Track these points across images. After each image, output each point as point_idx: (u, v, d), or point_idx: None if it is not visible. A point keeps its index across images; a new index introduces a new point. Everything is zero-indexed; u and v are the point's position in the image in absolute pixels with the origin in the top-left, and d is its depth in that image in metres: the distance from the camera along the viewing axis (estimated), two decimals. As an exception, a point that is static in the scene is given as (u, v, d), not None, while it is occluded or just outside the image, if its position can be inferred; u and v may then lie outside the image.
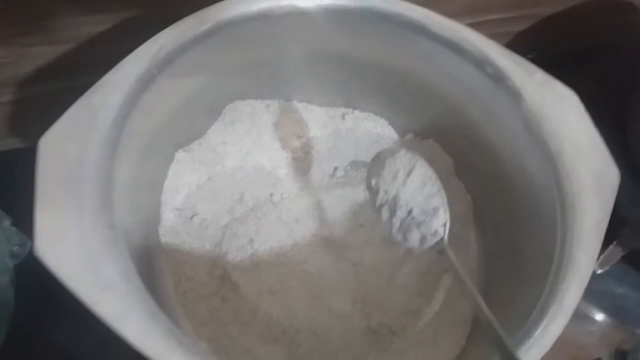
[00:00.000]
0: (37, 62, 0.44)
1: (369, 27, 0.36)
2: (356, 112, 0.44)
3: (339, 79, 0.42)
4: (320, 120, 0.44)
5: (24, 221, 0.47)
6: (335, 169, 0.43)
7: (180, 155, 0.39)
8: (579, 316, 0.46)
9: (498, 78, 0.33)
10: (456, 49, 0.34)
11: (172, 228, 0.38)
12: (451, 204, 0.40)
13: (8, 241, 0.42)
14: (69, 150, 0.27)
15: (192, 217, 0.39)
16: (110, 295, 0.24)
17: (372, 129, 0.44)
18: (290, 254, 0.39)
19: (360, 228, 0.40)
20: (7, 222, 0.42)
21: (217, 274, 0.37)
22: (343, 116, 0.44)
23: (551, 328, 0.26)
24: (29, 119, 0.49)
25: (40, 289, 0.47)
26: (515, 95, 0.33)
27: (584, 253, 0.28)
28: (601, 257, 0.41)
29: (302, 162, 0.42)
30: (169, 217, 0.38)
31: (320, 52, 0.39)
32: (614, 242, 0.41)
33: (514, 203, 0.37)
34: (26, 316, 0.43)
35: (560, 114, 0.32)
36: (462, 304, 0.38)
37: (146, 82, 0.30)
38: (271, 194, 0.41)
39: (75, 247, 0.24)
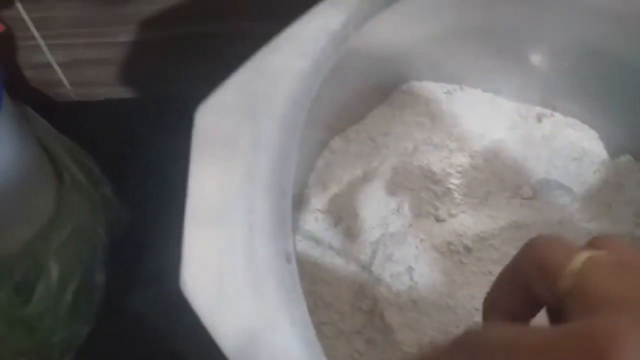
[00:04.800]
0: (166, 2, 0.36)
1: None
2: (557, 115, 0.34)
3: (551, 68, 0.32)
4: (508, 119, 0.33)
5: (125, 189, 0.40)
6: (520, 186, 0.33)
7: (335, 143, 0.30)
8: None
9: None
10: None
11: (311, 234, 0.30)
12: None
13: (106, 212, 0.35)
14: (236, 135, 0.18)
15: (336, 223, 0.30)
16: (288, 377, 0.15)
17: (576, 141, 0.33)
18: (460, 295, 0.29)
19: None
20: (107, 189, 0.35)
21: (364, 307, 0.29)
22: (539, 118, 0.34)
23: None
24: (145, 66, 0.41)
25: (136, 269, 0.41)
26: None
27: None
28: None
29: (480, 171, 0.33)
30: (309, 219, 0.30)
31: (545, 28, 0.29)
32: None
33: None
34: (117, 299, 0.36)
35: None
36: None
37: (339, 44, 0.21)
38: (437, 208, 0.32)
39: (241, 291, 0.16)
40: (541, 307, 0.15)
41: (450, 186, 0.32)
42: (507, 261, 0.30)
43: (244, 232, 0.17)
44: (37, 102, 0.36)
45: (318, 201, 0.30)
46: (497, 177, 0.33)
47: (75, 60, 0.38)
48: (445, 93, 0.32)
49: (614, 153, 0.33)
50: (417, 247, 0.30)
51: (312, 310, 0.28)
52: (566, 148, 0.33)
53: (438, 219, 0.32)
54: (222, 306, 0.16)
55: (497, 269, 0.30)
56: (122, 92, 0.41)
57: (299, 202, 0.30)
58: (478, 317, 0.29)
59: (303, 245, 0.30)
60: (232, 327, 0.15)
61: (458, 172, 0.32)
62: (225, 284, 0.16)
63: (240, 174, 0.18)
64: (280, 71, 0.19)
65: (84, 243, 0.32)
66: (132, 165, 0.38)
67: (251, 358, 0.15)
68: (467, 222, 0.32)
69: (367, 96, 0.31)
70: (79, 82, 0.40)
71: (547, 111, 0.34)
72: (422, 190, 0.32)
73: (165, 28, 0.37)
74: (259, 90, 0.19)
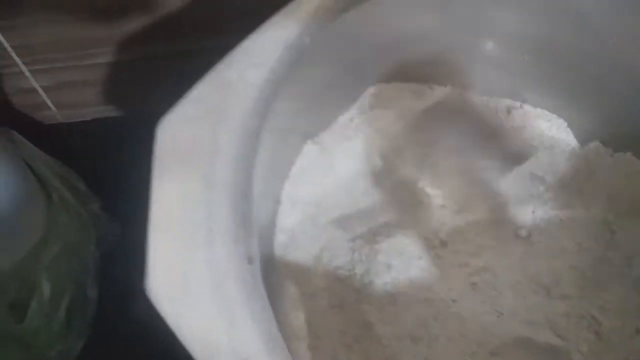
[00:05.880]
0: (138, 20, 0.37)
1: None
2: (526, 106, 0.35)
3: (512, 61, 0.32)
4: (478, 114, 0.34)
5: (115, 204, 0.42)
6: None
7: (309, 148, 0.31)
8: None
9: None
10: None
11: (292, 234, 0.31)
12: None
13: (95, 228, 0.36)
14: (196, 146, 0.19)
15: (316, 223, 0.31)
16: (250, 372, 0.16)
17: (546, 131, 0.34)
18: (437, 288, 0.30)
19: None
20: (95, 206, 0.37)
21: (345, 305, 0.29)
22: (508, 110, 0.35)
23: None
24: (126, 85, 0.43)
25: (128, 280, 0.41)
26: None
27: None
28: None
29: (453, 167, 0.34)
30: (290, 220, 0.31)
31: (496, 24, 0.30)
32: None
33: None
34: (111, 310, 0.37)
35: None
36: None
37: (296, 53, 0.22)
38: (413, 207, 0.33)
39: (202, 289, 0.17)
40: None
41: (425, 183, 0.33)
42: (482, 252, 0.31)
43: (204, 236, 0.18)
44: (24, 126, 0.37)
45: (298, 202, 0.31)
46: (471, 171, 0.34)
47: (59, 83, 0.40)
48: (413, 92, 0.33)
49: (583, 140, 0.34)
50: (395, 244, 0.31)
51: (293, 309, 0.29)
52: (537, 138, 0.34)
53: (416, 215, 0.32)
54: (185, 308, 0.17)
55: (473, 261, 0.31)
56: (108, 112, 0.43)
57: (278, 204, 0.31)
58: (455, 309, 0.30)
59: (285, 245, 0.30)
60: (195, 327, 0.16)
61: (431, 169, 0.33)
62: (187, 287, 0.17)
63: (200, 182, 0.19)
64: (236, 82, 0.20)
65: (75, 259, 0.33)
66: (120, 180, 0.39)
67: (215, 355, 0.16)
68: (442, 217, 0.32)
69: (336, 100, 0.32)
70: (64, 104, 0.41)
71: (517, 103, 0.35)
72: (398, 190, 0.33)
73: (142, 47, 0.39)
74: (217, 102, 0.20)
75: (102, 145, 0.41)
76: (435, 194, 0.32)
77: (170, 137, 0.19)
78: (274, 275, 0.30)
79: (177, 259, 0.17)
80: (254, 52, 0.21)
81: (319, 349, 0.28)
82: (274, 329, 0.17)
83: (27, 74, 0.38)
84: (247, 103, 0.20)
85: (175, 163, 0.19)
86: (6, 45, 0.35)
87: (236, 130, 0.20)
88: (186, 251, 0.17)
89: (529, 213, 0.32)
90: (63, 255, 0.32)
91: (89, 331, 0.34)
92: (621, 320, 0.30)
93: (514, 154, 0.34)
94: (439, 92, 0.34)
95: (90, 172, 0.38)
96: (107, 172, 0.39)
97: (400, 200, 0.32)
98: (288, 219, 0.31)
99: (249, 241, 0.18)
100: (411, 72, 0.33)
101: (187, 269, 0.17)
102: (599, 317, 0.29)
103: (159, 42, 0.39)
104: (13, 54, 0.36)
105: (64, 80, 0.39)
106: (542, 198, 0.33)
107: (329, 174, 0.32)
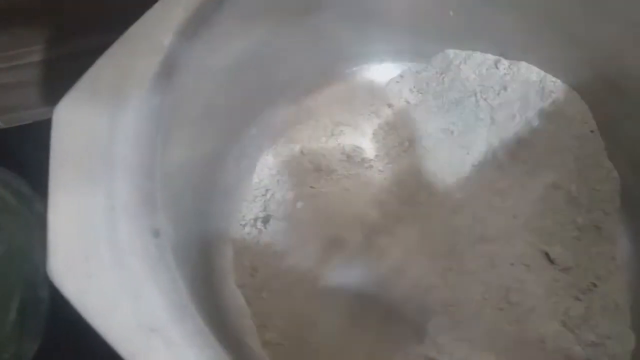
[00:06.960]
0: (70, 14, 0.36)
1: None
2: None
3: (437, 15, 0.32)
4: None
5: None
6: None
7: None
8: None
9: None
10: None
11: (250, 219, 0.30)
12: (588, 181, 0.31)
13: (41, 228, 0.35)
14: (95, 127, 0.19)
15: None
16: (158, 341, 0.16)
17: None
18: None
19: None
20: (41, 207, 0.36)
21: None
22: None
23: None
24: (63, 83, 0.42)
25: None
26: None
27: None
28: None
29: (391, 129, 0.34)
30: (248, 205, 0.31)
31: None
32: None
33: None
34: (66, 309, 0.37)
35: None
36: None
37: (200, 23, 0.22)
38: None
39: (104, 267, 0.17)
40: None
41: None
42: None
43: (106, 214, 0.18)
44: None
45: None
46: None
47: (-7, 87, 0.39)
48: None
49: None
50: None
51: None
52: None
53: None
54: (89, 287, 0.17)
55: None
56: (49, 113, 0.42)
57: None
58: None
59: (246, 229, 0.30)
60: (99, 305, 0.16)
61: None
62: (89, 265, 0.17)
63: (100, 163, 0.18)
64: (134, 60, 0.20)
65: (22, 261, 0.33)
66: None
67: (122, 329, 0.16)
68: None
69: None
70: (2, 109, 0.41)
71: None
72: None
73: (76, 41, 0.38)
74: (113, 80, 0.20)
75: (45, 147, 0.41)
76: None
77: (67, 121, 0.19)
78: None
79: (79, 239, 0.17)
80: (150, 29, 0.21)
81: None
82: (183, 299, 0.17)
83: (-42, 81, 0.37)
84: (146, 80, 0.20)
85: (73, 147, 0.19)
86: None
87: (136, 108, 0.19)
88: (88, 230, 0.17)
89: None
90: (9, 259, 0.32)
91: (43, 332, 0.34)
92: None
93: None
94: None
95: (35, 174, 0.38)
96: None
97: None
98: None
99: (153, 215, 0.18)
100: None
101: (89, 247, 0.17)
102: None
103: (91, 35, 0.38)
104: (-62, 63, 0.35)
105: (-2, 83, 0.39)
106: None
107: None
